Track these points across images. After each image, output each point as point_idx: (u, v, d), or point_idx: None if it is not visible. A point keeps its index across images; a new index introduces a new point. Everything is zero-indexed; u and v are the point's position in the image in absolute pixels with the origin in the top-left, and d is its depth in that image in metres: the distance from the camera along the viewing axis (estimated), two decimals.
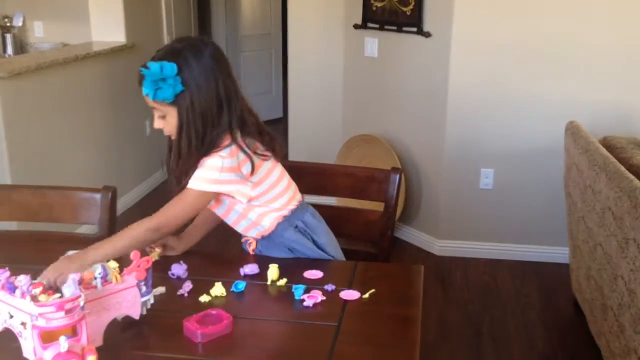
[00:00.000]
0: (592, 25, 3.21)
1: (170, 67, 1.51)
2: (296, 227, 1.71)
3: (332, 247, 1.77)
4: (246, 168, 1.59)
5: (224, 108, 1.58)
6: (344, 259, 1.79)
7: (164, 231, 1.59)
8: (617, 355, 2.17)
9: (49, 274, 1.39)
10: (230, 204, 1.66)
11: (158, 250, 1.66)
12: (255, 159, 1.60)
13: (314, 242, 1.73)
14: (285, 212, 1.70)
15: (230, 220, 1.71)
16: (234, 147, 1.57)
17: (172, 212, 1.59)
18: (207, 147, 1.57)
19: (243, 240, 1.76)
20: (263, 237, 1.71)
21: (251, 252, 1.74)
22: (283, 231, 1.69)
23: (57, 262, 1.44)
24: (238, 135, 1.59)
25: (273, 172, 1.67)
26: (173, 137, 1.61)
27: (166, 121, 1.59)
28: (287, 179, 1.73)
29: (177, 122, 1.56)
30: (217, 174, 1.56)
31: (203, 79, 1.55)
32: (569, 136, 2.76)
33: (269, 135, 1.67)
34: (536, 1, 3.23)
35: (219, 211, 1.69)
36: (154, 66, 1.51)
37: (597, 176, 2.30)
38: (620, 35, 3.21)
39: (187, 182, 1.57)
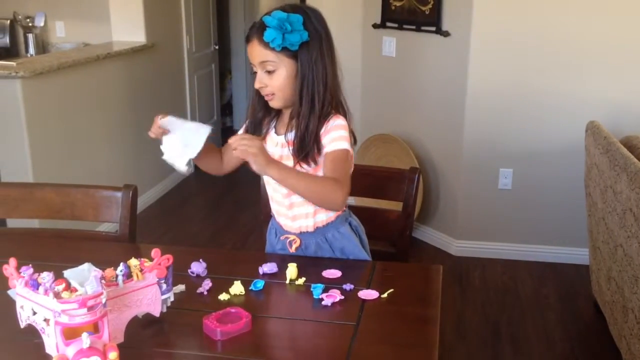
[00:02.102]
0: (613, 24, 3.18)
1: (296, 18, 1.49)
2: (350, 224, 1.71)
3: (367, 247, 1.78)
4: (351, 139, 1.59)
5: (335, 74, 1.56)
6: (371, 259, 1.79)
7: (348, 194, 1.52)
8: (638, 358, 2.15)
9: (257, 149, 1.40)
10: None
11: None
12: None
13: (360, 242, 1.73)
14: (346, 202, 1.66)
15: None
16: (339, 115, 1.57)
17: (345, 172, 1.53)
18: (328, 106, 1.54)
19: (283, 238, 1.71)
20: (316, 230, 1.67)
21: (292, 251, 1.70)
22: (340, 224, 1.69)
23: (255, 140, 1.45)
24: (341, 109, 1.59)
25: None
26: (271, 98, 1.55)
27: (274, 76, 1.52)
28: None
29: (294, 75, 1.52)
30: (347, 133, 1.55)
31: (324, 35, 1.54)
32: (589, 136, 2.73)
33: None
34: (555, 0, 3.21)
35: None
36: (281, 13, 1.48)
37: (618, 177, 2.28)
38: None
39: (311, 147, 1.52)
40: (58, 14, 4.94)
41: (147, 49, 4.24)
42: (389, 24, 3.75)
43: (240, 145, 1.41)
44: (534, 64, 3.29)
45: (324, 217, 1.67)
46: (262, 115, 1.64)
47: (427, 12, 3.50)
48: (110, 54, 3.80)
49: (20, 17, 4.92)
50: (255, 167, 1.42)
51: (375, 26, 3.85)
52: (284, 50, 1.50)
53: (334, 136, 1.54)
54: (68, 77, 3.42)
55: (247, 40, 1.55)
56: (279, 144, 1.62)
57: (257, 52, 1.52)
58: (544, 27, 3.24)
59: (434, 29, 3.47)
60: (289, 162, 1.57)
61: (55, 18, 4.96)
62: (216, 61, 5.63)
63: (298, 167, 1.56)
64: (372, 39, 3.91)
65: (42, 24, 4.94)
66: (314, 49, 1.52)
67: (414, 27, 3.59)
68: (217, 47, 5.60)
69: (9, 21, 4.94)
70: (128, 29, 4.24)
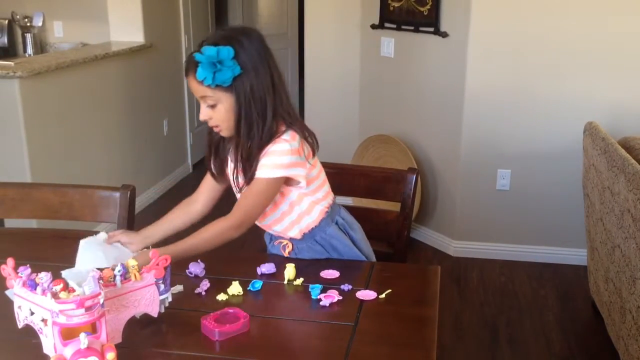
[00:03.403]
0: (611, 26, 3.18)
1: (227, 51, 1.48)
2: (337, 223, 1.72)
3: (365, 244, 1.78)
4: (305, 149, 1.61)
5: (277, 93, 1.57)
6: (374, 257, 1.79)
7: (246, 226, 1.59)
8: (636, 359, 2.15)
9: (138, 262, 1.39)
10: (285, 191, 1.64)
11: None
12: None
13: (351, 239, 1.74)
14: (327, 203, 1.70)
15: (278, 213, 1.67)
16: (291, 131, 1.58)
17: (250, 205, 1.58)
18: (267, 133, 1.55)
19: (277, 243, 1.74)
20: (304, 236, 1.69)
21: (286, 255, 1.71)
22: (326, 226, 1.69)
23: (138, 255, 1.48)
24: (290, 121, 1.59)
25: (317, 160, 1.69)
26: (218, 129, 1.58)
27: (216, 110, 1.55)
28: (324, 172, 1.74)
29: (233, 108, 1.53)
30: (288, 158, 1.56)
31: (259, 63, 1.53)
32: (587, 137, 2.73)
33: (304, 124, 1.67)
34: (553, 1, 3.21)
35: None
36: (210, 50, 1.48)
37: (615, 178, 2.28)
38: (639, 35, 3.18)
39: (252, 173, 1.56)
40: (56, 14, 4.93)
41: (145, 49, 4.24)
42: (387, 25, 3.75)
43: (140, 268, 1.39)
44: (532, 65, 3.30)
45: (306, 222, 1.69)
46: (219, 139, 1.66)
47: (425, 13, 3.50)
48: (108, 54, 3.79)
49: (18, 17, 4.91)
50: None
51: (373, 27, 3.85)
52: (218, 86, 1.51)
53: (264, 162, 1.56)
54: (66, 77, 3.42)
55: (185, 74, 1.56)
56: (232, 169, 1.65)
57: (195, 88, 1.54)
58: (542, 28, 3.24)
59: (432, 29, 3.47)
60: (240, 186, 1.61)
61: (54, 18, 4.95)
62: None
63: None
64: (371, 39, 3.91)
65: (40, 24, 4.93)
66: (248, 80, 1.52)
67: (412, 27, 3.59)
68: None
69: (7, 21, 4.93)
70: (126, 29, 4.23)
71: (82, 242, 1.56)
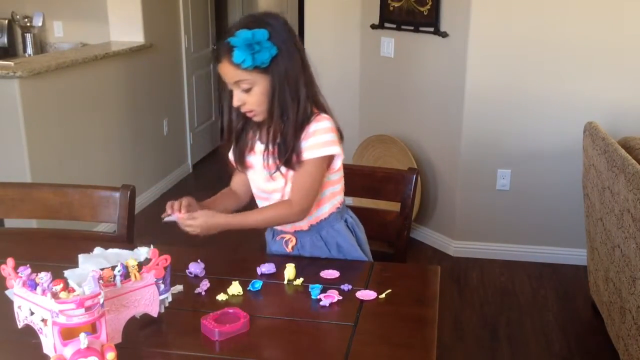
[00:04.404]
0: (611, 26, 3.18)
1: (262, 33, 1.49)
2: (345, 221, 1.73)
3: (367, 246, 1.79)
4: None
5: (307, 74, 1.58)
6: (372, 259, 1.80)
7: (307, 211, 1.63)
8: (636, 359, 2.15)
9: (200, 229, 1.55)
10: None
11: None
12: None
13: (357, 239, 1.75)
14: (340, 199, 1.72)
15: None
16: (322, 114, 1.60)
17: (307, 188, 1.60)
18: (302, 114, 1.56)
19: (279, 238, 1.73)
20: (310, 228, 1.69)
21: (289, 250, 1.71)
22: (335, 222, 1.70)
23: (199, 219, 1.55)
24: (321, 102, 1.62)
25: None
26: (252, 114, 1.58)
27: (251, 94, 1.54)
28: None
29: (268, 91, 1.54)
30: (331, 135, 1.59)
31: (290, 44, 1.54)
32: (587, 137, 2.73)
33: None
34: (553, 1, 3.21)
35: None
36: (245, 32, 1.48)
37: (615, 177, 2.28)
38: (639, 35, 3.19)
39: (290, 155, 1.57)
40: (56, 14, 4.94)
41: (145, 49, 4.24)
42: (387, 25, 3.76)
43: (184, 228, 1.57)
44: (532, 65, 3.30)
45: (316, 214, 1.69)
46: (242, 126, 1.66)
47: (425, 13, 3.50)
48: (108, 54, 3.79)
49: (18, 17, 4.91)
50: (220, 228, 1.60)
51: (373, 27, 3.85)
52: (256, 68, 1.51)
53: (310, 143, 1.57)
54: (66, 77, 3.42)
55: (216, 60, 1.56)
56: (260, 152, 1.64)
57: (230, 73, 1.53)
58: (542, 28, 3.24)
59: (432, 29, 3.47)
60: (272, 169, 1.62)
61: (54, 18, 4.95)
62: (214, 61, 5.63)
63: (282, 170, 1.61)
64: (371, 39, 3.91)
65: (40, 24, 4.93)
66: (284, 61, 1.53)
67: (412, 27, 3.59)
68: (215, 48, 5.60)
69: (7, 21, 4.93)
70: (126, 29, 4.23)
71: (81, 257, 1.56)
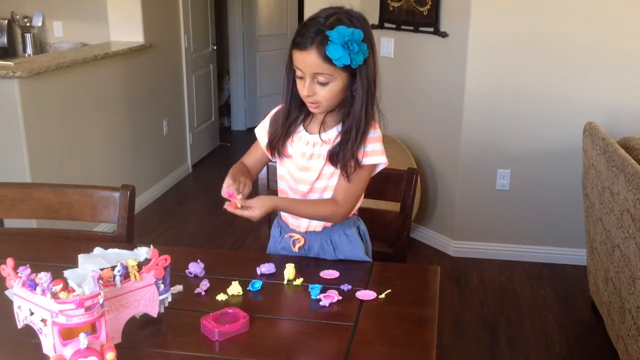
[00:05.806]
0: (611, 26, 3.19)
1: (359, 33, 1.48)
2: (358, 228, 1.73)
3: (370, 252, 1.78)
4: None
5: (378, 79, 1.58)
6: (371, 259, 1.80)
7: (349, 213, 1.65)
8: (635, 359, 2.15)
9: (260, 210, 1.51)
10: None
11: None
12: None
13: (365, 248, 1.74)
14: (359, 205, 1.71)
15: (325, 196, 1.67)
16: (375, 124, 1.61)
17: (357, 194, 1.63)
18: (371, 119, 1.57)
19: (287, 236, 1.72)
20: (324, 229, 1.68)
21: (295, 250, 1.70)
22: (347, 227, 1.70)
23: (256, 210, 1.51)
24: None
25: None
26: (316, 105, 1.55)
27: (327, 88, 1.52)
28: None
29: (345, 89, 1.53)
30: (381, 145, 1.60)
31: (373, 49, 1.54)
32: (587, 137, 2.74)
33: None
34: (553, 1, 3.21)
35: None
36: (345, 30, 1.46)
37: (615, 178, 2.28)
38: (639, 35, 3.18)
39: (345, 158, 1.55)
40: (56, 14, 4.94)
41: (145, 49, 4.24)
42: (387, 25, 3.76)
43: (241, 215, 1.52)
44: (532, 65, 3.30)
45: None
46: (296, 116, 1.65)
47: (425, 13, 3.50)
48: (108, 54, 3.79)
49: (18, 17, 4.91)
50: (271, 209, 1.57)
51: (373, 27, 3.82)
52: (345, 66, 1.49)
53: (371, 149, 1.58)
54: (66, 77, 3.42)
55: (300, 46, 1.50)
56: (310, 142, 1.62)
57: (314, 63, 1.49)
58: (542, 29, 3.25)
59: (432, 29, 3.48)
60: (319, 160, 1.61)
61: (53, 18, 4.95)
62: (214, 61, 5.63)
63: (327, 166, 1.60)
64: None
65: (39, 24, 4.93)
66: (370, 64, 1.53)
67: (412, 28, 3.59)
68: (215, 48, 5.60)
69: (6, 21, 4.93)
70: (126, 29, 4.24)
71: (80, 257, 1.56)
